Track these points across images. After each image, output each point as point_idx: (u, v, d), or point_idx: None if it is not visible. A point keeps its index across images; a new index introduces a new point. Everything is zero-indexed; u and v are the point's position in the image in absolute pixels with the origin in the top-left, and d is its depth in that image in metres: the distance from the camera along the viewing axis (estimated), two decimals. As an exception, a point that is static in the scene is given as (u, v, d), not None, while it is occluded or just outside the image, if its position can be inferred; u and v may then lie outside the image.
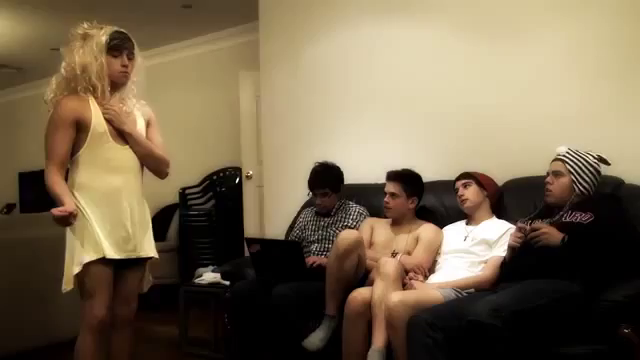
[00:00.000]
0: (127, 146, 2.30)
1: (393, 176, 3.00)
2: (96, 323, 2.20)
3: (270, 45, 4.21)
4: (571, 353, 2.03)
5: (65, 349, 2.47)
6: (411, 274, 2.64)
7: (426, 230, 2.89)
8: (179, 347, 3.74)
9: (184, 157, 5.66)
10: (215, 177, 5.78)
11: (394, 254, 2.83)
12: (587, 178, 2.46)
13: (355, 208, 3.28)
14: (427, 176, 3.09)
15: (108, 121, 2.25)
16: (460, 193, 2.81)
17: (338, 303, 2.63)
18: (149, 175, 2.43)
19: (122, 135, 2.29)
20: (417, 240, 2.87)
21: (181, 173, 5.43)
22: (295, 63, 4.05)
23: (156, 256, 2.40)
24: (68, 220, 2.10)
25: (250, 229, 4.84)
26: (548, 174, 2.55)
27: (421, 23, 3.50)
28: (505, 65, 3.17)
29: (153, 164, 2.39)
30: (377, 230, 3.06)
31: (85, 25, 2.27)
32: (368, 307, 2.46)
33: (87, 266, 2.16)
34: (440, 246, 2.83)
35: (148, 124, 2.41)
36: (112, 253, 2.22)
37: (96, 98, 2.25)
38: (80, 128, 2.21)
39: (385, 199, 2.98)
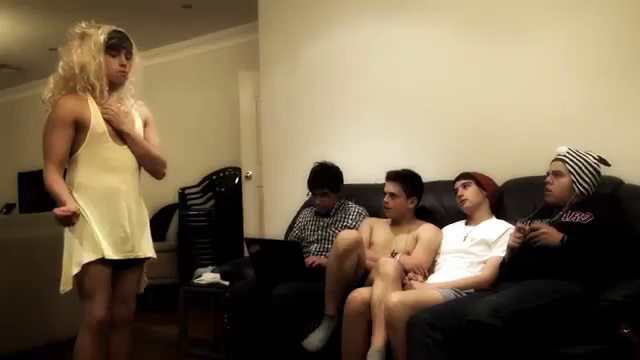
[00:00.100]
0: (125, 146, 2.30)
1: (393, 176, 3.00)
2: (95, 323, 2.20)
3: (270, 45, 4.21)
4: (571, 353, 2.03)
5: (64, 349, 2.47)
6: (410, 274, 2.64)
7: (425, 230, 2.89)
8: (179, 347, 3.74)
9: (184, 157, 5.67)
10: (215, 177, 5.78)
11: (393, 254, 2.83)
12: (587, 178, 2.46)
13: (354, 208, 3.28)
14: (427, 176, 3.09)
15: (107, 121, 2.25)
16: (459, 193, 2.81)
17: (338, 303, 2.63)
18: (148, 175, 2.43)
19: (120, 135, 2.29)
20: (416, 240, 2.87)
21: (181, 173, 5.44)
22: (295, 63, 4.05)
23: (154, 256, 2.40)
24: (71, 220, 2.10)
25: (250, 229, 4.84)
26: (548, 174, 2.55)
27: (421, 22, 3.50)
28: (505, 65, 3.17)
29: (150, 164, 2.39)
30: (376, 230, 3.06)
31: (83, 24, 2.27)
32: (368, 307, 2.46)
33: (86, 267, 2.16)
34: (439, 246, 2.83)
35: (145, 124, 2.41)
36: (111, 253, 2.21)
37: (95, 98, 2.24)
38: (79, 127, 2.21)
39: (385, 199, 2.98)
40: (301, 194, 3.48)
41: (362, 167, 3.57)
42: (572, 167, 2.47)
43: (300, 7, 4.04)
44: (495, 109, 3.19)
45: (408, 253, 2.84)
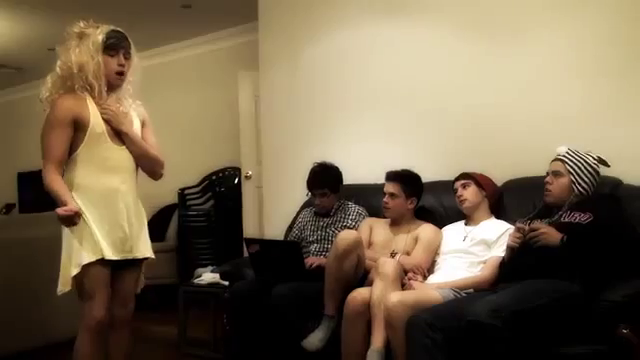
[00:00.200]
0: (124, 147, 2.30)
1: (392, 176, 3.00)
2: (95, 324, 2.19)
3: (269, 45, 4.21)
4: (571, 353, 2.03)
5: (63, 349, 2.46)
6: (410, 274, 2.63)
7: (425, 230, 2.89)
8: (178, 347, 3.74)
9: (183, 157, 5.67)
10: (214, 177, 5.78)
11: (393, 254, 2.83)
12: (586, 179, 2.47)
13: (354, 208, 3.28)
14: (426, 176, 3.09)
15: (106, 121, 2.24)
16: (459, 193, 2.81)
17: (337, 303, 2.63)
18: (147, 175, 2.43)
19: (119, 135, 2.28)
20: (416, 240, 2.87)
21: (180, 173, 5.44)
22: (294, 63, 4.05)
23: (152, 256, 2.40)
24: (73, 220, 2.10)
25: (249, 229, 4.83)
26: (548, 174, 2.55)
27: (420, 23, 3.50)
28: (504, 65, 3.17)
29: (148, 165, 2.39)
30: (376, 230, 3.05)
31: (81, 24, 2.26)
32: (367, 307, 2.45)
33: (86, 267, 2.16)
34: (439, 246, 2.83)
35: (143, 124, 2.41)
36: (110, 254, 2.21)
37: (93, 98, 2.24)
38: (78, 127, 2.20)
39: (384, 199, 2.98)
40: (301, 194, 3.48)
41: (362, 167, 3.57)
42: (571, 167, 2.47)
43: (300, 7, 4.04)
44: (495, 109, 3.19)
45: (408, 253, 2.84)
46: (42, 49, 5.67)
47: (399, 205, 2.96)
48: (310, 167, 3.34)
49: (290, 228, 3.55)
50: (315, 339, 2.58)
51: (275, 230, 3.91)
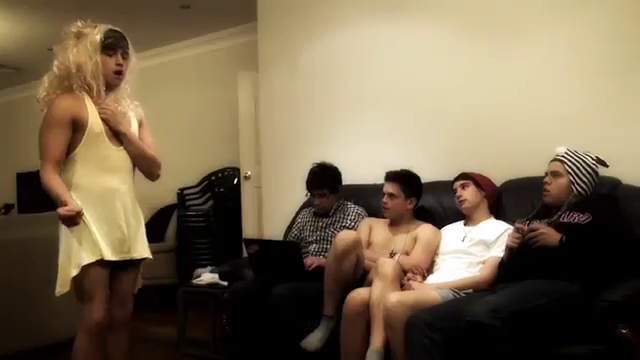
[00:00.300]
0: (122, 147, 2.29)
1: (392, 176, 3.00)
2: (94, 325, 2.19)
3: (269, 45, 4.20)
4: (570, 353, 2.03)
5: (63, 349, 2.46)
6: (409, 274, 2.63)
7: (424, 230, 2.89)
8: (177, 348, 3.73)
9: (182, 157, 5.67)
10: (213, 177, 5.77)
11: (392, 254, 2.83)
12: (585, 179, 2.46)
13: (353, 208, 3.28)
14: (426, 177, 3.08)
15: (104, 121, 2.24)
16: (458, 194, 2.81)
17: (336, 303, 2.62)
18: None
19: (117, 136, 2.28)
20: (415, 240, 2.87)
21: (179, 174, 5.44)
22: (294, 63, 4.05)
23: (150, 257, 2.40)
24: (75, 219, 2.09)
25: (248, 229, 4.83)
26: (546, 174, 2.55)
27: (420, 23, 3.50)
28: (504, 65, 3.16)
29: (145, 165, 2.38)
30: (375, 230, 3.05)
31: (79, 23, 2.25)
32: (366, 307, 2.45)
33: (85, 268, 2.15)
34: (438, 246, 2.83)
35: (140, 124, 2.41)
36: (109, 255, 2.21)
37: (92, 97, 2.23)
38: (76, 127, 2.20)
39: (383, 199, 2.98)
40: (300, 194, 3.48)
41: (361, 167, 3.57)
42: (570, 167, 2.47)
43: (300, 7, 4.04)
44: (495, 109, 3.19)
45: (407, 253, 2.84)
46: (41, 49, 5.64)
47: (398, 205, 2.96)
48: (309, 167, 3.34)
49: (289, 228, 3.55)
50: (314, 339, 2.58)
51: (274, 230, 3.91)
